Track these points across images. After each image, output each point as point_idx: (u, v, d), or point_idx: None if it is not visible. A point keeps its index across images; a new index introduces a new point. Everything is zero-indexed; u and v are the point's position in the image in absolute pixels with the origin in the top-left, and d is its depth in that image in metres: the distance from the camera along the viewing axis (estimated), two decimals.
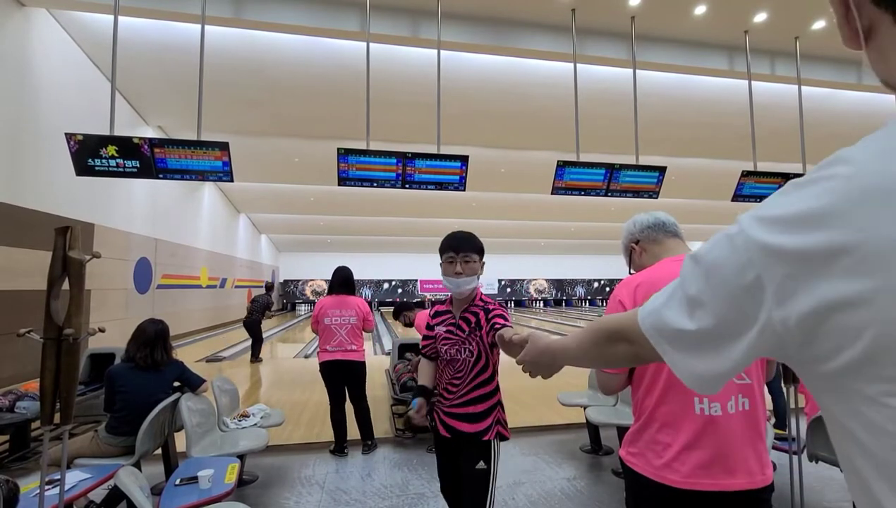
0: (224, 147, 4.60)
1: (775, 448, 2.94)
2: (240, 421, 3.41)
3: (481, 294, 2.05)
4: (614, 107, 7.22)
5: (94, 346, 4.48)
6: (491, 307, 1.95)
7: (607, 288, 28.07)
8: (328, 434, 3.92)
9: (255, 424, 3.39)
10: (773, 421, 3.94)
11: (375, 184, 5.00)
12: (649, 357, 0.63)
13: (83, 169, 4.38)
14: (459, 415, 1.92)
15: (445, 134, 5.53)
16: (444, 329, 2.01)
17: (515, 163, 11.07)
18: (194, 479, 2.25)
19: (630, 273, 1.52)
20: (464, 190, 5.26)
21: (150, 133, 8.94)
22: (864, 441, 0.41)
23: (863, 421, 0.41)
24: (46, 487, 1.89)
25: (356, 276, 4.38)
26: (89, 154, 4.35)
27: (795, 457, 2.57)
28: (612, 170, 5.58)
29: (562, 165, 5.47)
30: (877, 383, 0.39)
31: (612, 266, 26.40)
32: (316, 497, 3.10)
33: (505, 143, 9.96)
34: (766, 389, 1.38)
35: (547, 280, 27.96)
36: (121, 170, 4.43)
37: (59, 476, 1.86)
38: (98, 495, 2.51)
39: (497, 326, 1.82)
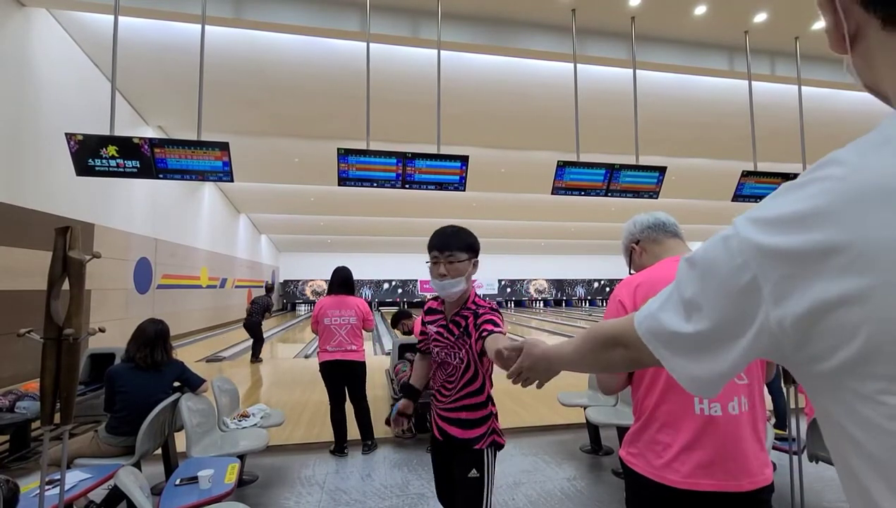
0: (224, 147, 4.60)
1: (775, 449, 2.94)
2: (240, 421, 3.41)
3: (475, 296, 1.85)
4: (614, 107, 7.22)
5: (94, 346, 4.48)
6: (481, 312, 1.74)
7: (607, 289, 28.07)
8: (328, 435, 3.92)
9: (255, 424, 3.39)
10: (773, 421, 3.94)
11: (375, 185, 5.00)
12: (646, 361, 0.63)
13: (83, 169, 4.38)
14: (452, 420, 1.82)
15: (445, 134, 5.53)
16: (435, 329, 1.88)
17: (515, 163, 11.07)
18: (194, 479, 2.25)
19: (630, 273, 1.52)
20: (464, 190, 5.26)
21: (150, 133, 8.94)
22: (860, 440, 0.41)
23: (859, 420, 0.41)
24: (46, 487, 1.89)
25: (356, 276, 4.38)
26: (89, 154, 4.35)
27: (795, 457, 2.57)
28: (612, 170, 5.58)
29: (562, 165, 5.47)
30: (873, 381, 0.39)
31: (612, 266, 26.39)
32: (316, 497, 3.10)
33: (505, 143, 9.96)
34: (765, 390, 1.38)
35: (547, 280, 27.95)
36: (121, 170, 4.44)
37: (59, 476, 1.86)
38: (98, 495, 2.51)
39: (485, 333, 1.62)
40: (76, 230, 1.78)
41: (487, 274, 26.54)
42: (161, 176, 4.53)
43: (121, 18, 4.72)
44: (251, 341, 8.45)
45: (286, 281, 25.07)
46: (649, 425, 1.27)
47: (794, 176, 6.10)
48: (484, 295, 2.01)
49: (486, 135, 9.30)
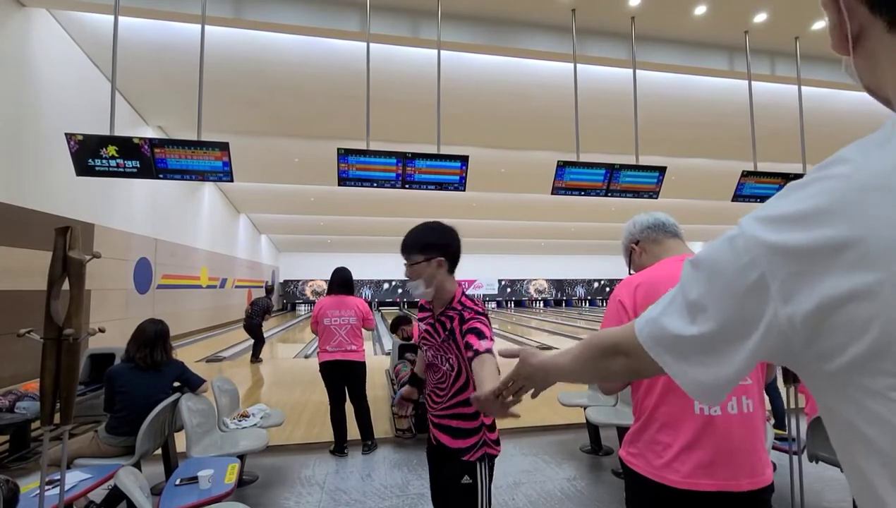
0: (224, 147, 4.60)
1: (775, 449, 2.94)
2: (240, 421, 3.41)
3: (461, 295, 1.71)
4: (614, 107, 7.22)
5: (94, 346, 4.48)
6: (467, 316, 1.60)
7: (607, 289, 28.07)
8: (328, 435, 3.92)
9: (255, 424, 3.39)
10: (772, 421, 3.94)
11: (375, 185, 4.99)
12: (648, 370, 0.62)
13: (83, 169, 4.38)
14: (443, 427, 1.72)
15: (445, 134, 5.53)
16: (424, 327, 1.80)
17: (515, 163, 11.07)
18: (194, 479, 2.25)
19: (630, 273, 1.53)
20: (464, 190, 5.26)
21: (150, 133, 8.94)
22: (870, 437, 0.41)
23: (868, 417, 0.41)
24: (46, 487, 1.89)
25: (356, 276, 4.38)
26: (89, 154, 4.35)
27: (795, 457, 2.57)
28: (612, 170, 5.58)
29: (562, 165, 5.47)
30: (883, 377, 0.39)
31: (612, 266, 26.39)
32: (316, 497, 3.10)
33: (505, 143, 9.96)
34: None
35: (547, 280, 27.95)
36: (121, 170, 4.44)
37: (59, 477, 1.86)
38: (98, 495, 2.50)
39: (470, 353, 1.49)
40: (76, 230, 1.78)
41: (487, 274, 26.54)
42: (161, 176, 4.53)
43: (121, 18, 4.72)
44: (252, 341, 8.45)
45: (286, 282, 25.08)
46: (649, 425, 1.26)
47: (794, 176, 6.11)
48: (484, 295, 1.98)
49: (486, 135, 9.30)
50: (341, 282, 4.04)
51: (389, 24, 5.66)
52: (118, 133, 4.52)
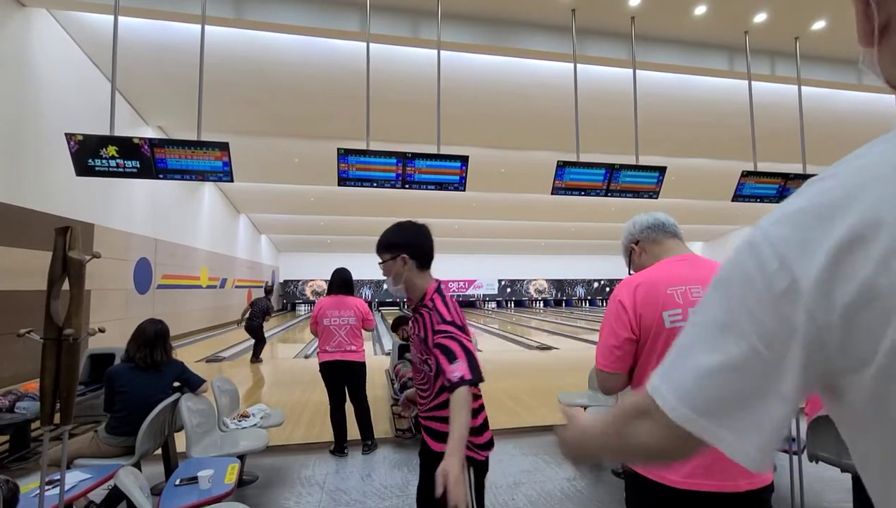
0: (224, 147, 4.60)
1: None
2: (240, 421, 3.41)
3: (433, 292, 1.71)
4: (614, 107, 7.22)
5: (94, 346, 4.48)
6: (437, 326, 1.59)
7: (607, 289, 28.06)
8: (328, 435, 3.92)
9: (255, 424, 3.39)
10: None
11: (375, 185, 4.99)
12: (676, 448, 0.51)
13: (83, 169, 4.38)
14: (427, 428, 1.72)
15: (445, 134, 5.53)
16: (411, 323, 1.81)
17: (515, 164, 11.07)
18: (194, 479, 2.25)
19: (630, 273, 1.53)
20: (464, 190, 5.26)
21: (150, 133, 8.94)
22: None
23: None
24: (46, 487, 1.89)
25: (356, 276, 4.38)
26: (89, 154, 4.35)
27: (795, 457, 2.57)
28: (612, 170, 5.58)
29: (562, 165, 5.47)
30: None
31: (612, 266, 26.39)
32: (316, 497, 3.10)
33: (505, 143, 9.96)
34: None
35: (547, 280, 27.95)
36: (121, 170, 4.43)
37: (59, 477, 1.87)
38: (98, 495, 2.50)
39: (447, 383, 1.48)
40: (76, 230, 1.78)
41: (487, 275, 26.54)
42: (161, 176, 4.53)
43: (121, 18, 4.72)
44: (253, 341, 8.44)
45: (286, 282, 25.07)
46: None
47: (794, 176, 6.11)
48: (484, 295, 1.95)
49: (486, 135, 9.30)
50: (341, 283, 4.04)
51: (389, 24, 5.67)
52: (118, 133, 4.52)
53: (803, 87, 6.40)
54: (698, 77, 7.11)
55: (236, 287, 16.65)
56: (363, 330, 4.04)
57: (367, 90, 5.13)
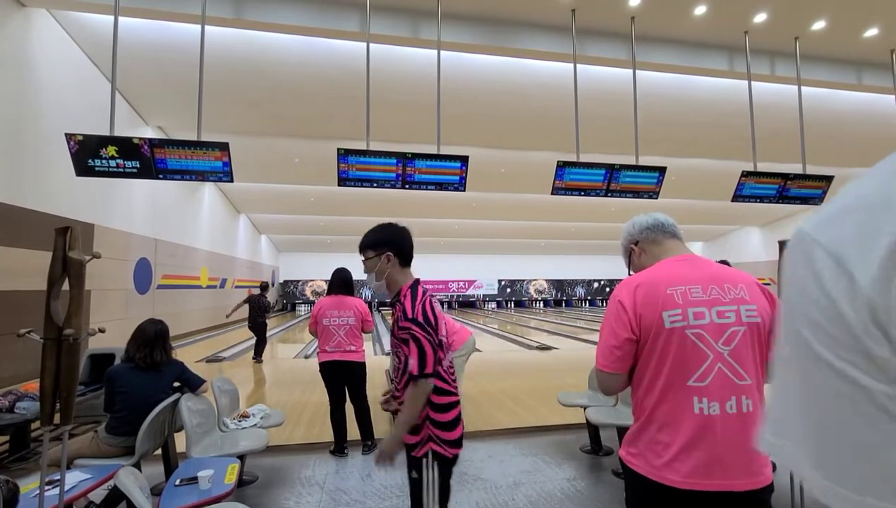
0: (224, 147, 4.60)
1: None
2: (240, 421, 3.41)
3: (407, 289, 1.81)
4: (614, 107, 7.23)
5: (94, 346, 4.48)
6: (401, 320, 1.71)
7: (607, 289, 28.07)
8: (328, 435, 3.92)
9: (255, 424, 3.39)
10: None
11: (375, 185, 5.00)
12: None
13: (83, 169, 4.38)
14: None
15: (445, 134, 5.53)
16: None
17: (515, 164, 11.08)
18: (194, 480, 2.25)
19: (629, 274, 1.53)
20: (464, 190, 5.26)
21: (150, 133, 8.94)
22: None
23: None
24: (46, 487, 1.89)
25: (356, 277, 4.38)
26: (89, 154, 4.35)
27: None
28: (612, 170, 5.58)
29: (562, 165, 5.47)
30: None
31: (612, 266, 26.40)
32: (316, 497, 3.10)
33: (505, 144, 9.96)
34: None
35: (547, 280, 27.94)
36: (121, 170, 4.44)
37: (59, 477, 1.87)
38: (98, 495, 2.50)
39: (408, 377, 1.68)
40: (76, 230, 1.78)
41: (487, 274, 26.54)
42: (161, 176, 4.53)
43: (120, 18, 4.72)
44: (254, 340, 8.45)
45: (286, 282, 25.07)
46: (649, 425, 1.27)
47: (794, 176, 6.12)
48: (484, 295, 2.00)
49: (486, 135, 9.30)
50: (341, 283, 4.04)
51: (389, 24, 5.67)
52: (118, 133, 4.52)
53: (803, 87, 6.40)
54: (698, 77, 7.11)
55: (236, 287, 16.65)
56: (362, 332, 4.04)
57: (367, 90, 5.13)
